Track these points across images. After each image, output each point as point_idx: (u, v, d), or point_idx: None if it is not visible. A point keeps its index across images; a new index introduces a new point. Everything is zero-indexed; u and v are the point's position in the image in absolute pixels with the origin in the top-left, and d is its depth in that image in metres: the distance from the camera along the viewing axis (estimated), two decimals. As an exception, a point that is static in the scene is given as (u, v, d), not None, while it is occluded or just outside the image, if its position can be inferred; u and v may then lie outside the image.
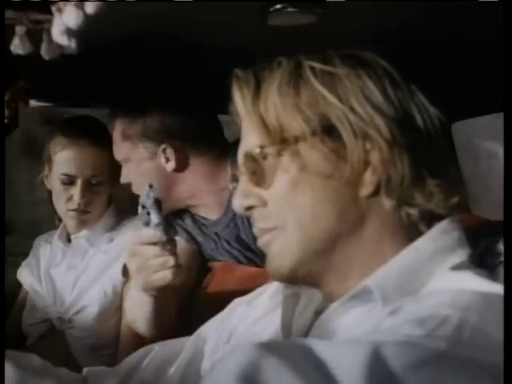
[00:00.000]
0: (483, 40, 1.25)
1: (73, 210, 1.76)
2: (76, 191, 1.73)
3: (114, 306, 1.74)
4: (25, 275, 1.90)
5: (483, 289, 0.70)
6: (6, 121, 1.48)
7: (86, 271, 1.79)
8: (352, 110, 0.76)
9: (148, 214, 1.18)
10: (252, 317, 0.93)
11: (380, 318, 0.68)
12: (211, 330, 0.99)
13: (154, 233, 1.16)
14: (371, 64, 0.80)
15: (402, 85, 0.80)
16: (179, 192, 1.57)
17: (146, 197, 1.18)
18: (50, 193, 1.82)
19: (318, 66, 0.79)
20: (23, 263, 1.93)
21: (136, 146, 1.57)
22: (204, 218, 1.61)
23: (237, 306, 1.01)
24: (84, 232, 1.82)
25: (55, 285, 1.82)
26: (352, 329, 0.73)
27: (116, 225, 1.84)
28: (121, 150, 1.60)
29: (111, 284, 1.75)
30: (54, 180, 1.77)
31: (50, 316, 1.79)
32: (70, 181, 1.74)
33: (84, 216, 1.77)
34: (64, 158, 1.74)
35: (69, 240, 1.87)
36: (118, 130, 1.59)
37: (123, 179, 1.62)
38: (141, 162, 1.57)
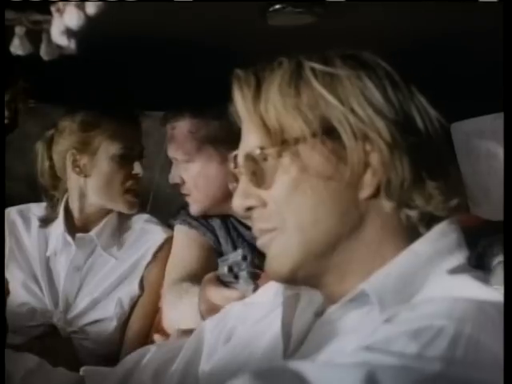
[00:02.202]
0: (483, 40, 1.25)
1: (132, 190, 1.71)
2: (138, 165, 1.70)
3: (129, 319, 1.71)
4: (11, 269, 1.74)
5: (479, 296, 0.69)
6: (6, 121, 1.48)
7: (94, 275, 1.73)
8: (352, 111, 0.76)
9: (236, 277, 1.22)
10: (252, 317, 0.93)
11: (375, 326, 0.68)
12: (209, 329, 0.99)
13: (239, 295, 1.20)
14: (372, 65, 0.80)
15: (402, 86, 0.79)
16: None
17: (236, 265, 1.22)
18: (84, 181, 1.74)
19: (318, 66, 0.79)
20: (6, 254, 1.75)
21: (204, 148, 1.59)
22: (248, 228, 1.61)
23: (233, 304, 1.01)
24: (93, 231, 1.75)
25: (54, 283, 1.74)
26: (350, 333, 0.73)
27: (119, 225, 1.79)
28: (183, 148, 1.61)
29: (128, 298, 1.72)
30: (101, 163, 1.70)
31: (54, 322, 1.70)
32: (129, 155, 1.70)
33: (137, 196, 1.74)
34: (119, 135, 1.69)
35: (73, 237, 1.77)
36: (184, 128, 1.60)
37: (172, 179, 1.63)
38: (206, 165, 1.60)
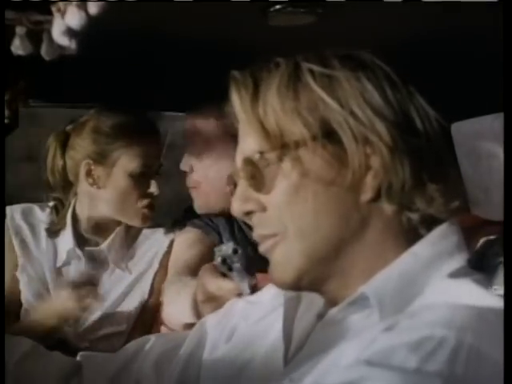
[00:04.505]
0: (483, 40, 1.25)
1: (147, 206, 1.69)
2: (153, 182, 1.68)
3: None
4: (24, 278, 1.71)
5: (480, 302, 0.69)
6: (6, 121, 1.48)
7: (102, 287, 1.67)
8: (352, 114, 0.75)
9: (229, 269, 1.20)
10: (254, 315, 0.93)
11: (375, 334, 0.68)
12: (212, 325, 0.99)
13: (236, 286, 1.19)
14: (370, 65, 0.79)
15: (401, 87, 0.79)
16: None
17: (228, 258, 1.20)
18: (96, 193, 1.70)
19: (316, 68, 0.78)
20: (19, 265, 1.71)
21: (226, 142, 1.57)
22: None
23: (237, 301, 1.00)
24: (104, 245, 1.73)
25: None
26: (350, 339, 0.73)
27: (128, 236, 1.76)
28: (204, 138, 1.60)
29: (139, 308, 1.69)
30: (117, 178, 1.67)
31: (64, 336, 1.66)
32: (147, 171, 1.67)
33: (152, 210, 1.72)
34: (138, 153, 1.66)
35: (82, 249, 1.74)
36: (212, 120, 1.59)
37: (183, 166, 1.62)
38: (222, 158, 1.58)
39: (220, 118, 1.57)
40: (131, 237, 1.77)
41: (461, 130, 1.44)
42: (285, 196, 0.77)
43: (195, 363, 0.94)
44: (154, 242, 1.76)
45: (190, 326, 1.30)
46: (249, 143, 0.81)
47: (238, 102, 0.80)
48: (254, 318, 0.92)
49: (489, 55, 1.18)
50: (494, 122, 1.38)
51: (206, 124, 1.61)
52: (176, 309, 1.47)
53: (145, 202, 1.69)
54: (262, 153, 0.78)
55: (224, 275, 1.27)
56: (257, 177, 0.78)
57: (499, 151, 1.35)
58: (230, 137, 1.52)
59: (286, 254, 0.78)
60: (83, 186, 1.70)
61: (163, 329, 1.53)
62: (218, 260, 1.22)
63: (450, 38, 1.27)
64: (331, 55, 0.80)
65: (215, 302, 1.25)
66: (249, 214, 0.81)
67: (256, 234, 0.82)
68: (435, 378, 0.60)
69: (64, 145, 1.72)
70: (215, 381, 0.88)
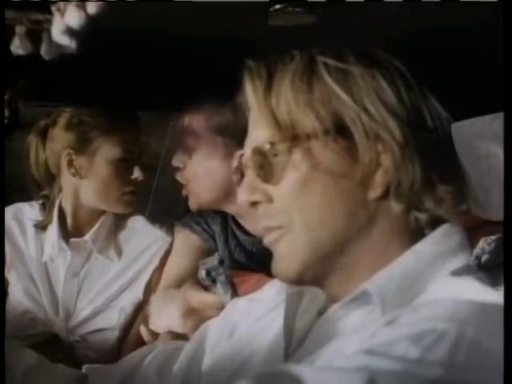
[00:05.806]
0: (483, 40, 1.25)
1: (131, 192, 1.68)
2: (137, 168, 1.67)
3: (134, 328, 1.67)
4: (12, 274, 1.73)
5: (482, 298, 0.69)
6: (6, 121, 1.48)
7: (94, 280, 1.70)
8: (365, 110, 0.75)
9: (213, 281, 1.20)
10: (255, 313, 0.93)
11: (377, 327, 0.68)
12: (214, 326, 0.99)
13: (216, 300, 1.20)
14: (385, 63, 0.79)
15: (415, 86, 0.79)
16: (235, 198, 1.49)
17: (213, 270, 1.21)
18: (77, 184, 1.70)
19: (331, 62, 0.78)
20: (8, 262, 1.73)
21: (213, 138, 1.54)
22: (247, 234, 1.60)
23: (238, 300, 1.00)
24: (88, 235, 1.71)
25: (53, 289, 1.71)
26: (351, 333, 0.73)
27: (114, 226, 1.76)
28: (195, 135, 1.57)
29: (132, 305, 1.69)
30: (99, 166, 1.67)
31: (57, 331, 1.68)
32: (129, 159, 1.66)
33: (135, 196, 1.72)
34: (119, 138, 1.65)
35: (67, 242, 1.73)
36: (200, 116, 1.57)
37: (175, 162, 1.61)
38: (210, 155, 1.56)
39: (213, 116, 1.57)
40: (120, 226, 1.76)
41: (461, 130, 1.45)
42: (293, 188, 0.77)
43: (196, 368, 0.94)
44: (153, 239, 1.75)
45: (175, 335, 1.30)
46: (259, 133, 0.80)
47: (251, 91, 0.80)
48: (255, 316, 0.92)
49: (489, 55, 1.18)
50: (493, 122, 1.38)
51: (199, 122, 1.60)
52: (164, 320, 1.46)
53: (128, 188, 1.68)
54: (272, 143, 0.78)
55: (206, 289, 1.27)
56: (265, 167, 0.78)
57: (499, 151, 1.35)
58: (220, 136, 1.54)
59: (291, 247, 0.78)
60: (66, 177, 1.70)
61: (142, 328, 1.52)
62: (202, 273, 1.22)
63: (451, 38, 1.27)
64: (347, 51, 0.80)
65: (196, 315, 1.25)
66: (255, 204, 0.80)
67: (261, 226, 0.81)
68: (436, 367, 0.60)
69: (44, 138, 1.73)
70: (217, 378, 0.88)
